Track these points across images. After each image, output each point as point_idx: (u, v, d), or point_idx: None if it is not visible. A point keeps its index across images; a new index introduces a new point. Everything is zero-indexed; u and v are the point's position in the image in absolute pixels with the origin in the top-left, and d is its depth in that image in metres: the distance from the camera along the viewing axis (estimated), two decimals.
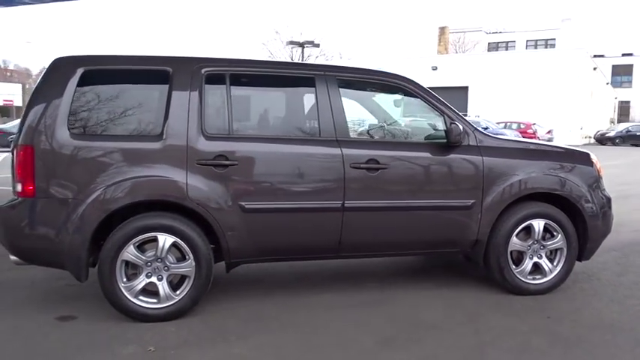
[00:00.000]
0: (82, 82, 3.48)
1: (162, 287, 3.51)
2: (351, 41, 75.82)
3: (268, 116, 4.19)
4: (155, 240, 3.47)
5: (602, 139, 33.99)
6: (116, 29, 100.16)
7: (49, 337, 3.33)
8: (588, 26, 76.34)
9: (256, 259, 3.86)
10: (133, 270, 3.52)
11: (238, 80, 3.82)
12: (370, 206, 3.82)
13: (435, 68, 33.89)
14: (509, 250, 4.06)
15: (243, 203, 3.58)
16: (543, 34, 53.03)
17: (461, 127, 3.87)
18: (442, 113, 4.03)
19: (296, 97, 4.08)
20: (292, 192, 3.70)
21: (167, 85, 3.58)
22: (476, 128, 4.10)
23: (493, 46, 54.79)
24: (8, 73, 64.37)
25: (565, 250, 4.16)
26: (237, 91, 3.83)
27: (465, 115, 12.07)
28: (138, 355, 3.10)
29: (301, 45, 34.65)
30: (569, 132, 30.06)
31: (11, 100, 39.86)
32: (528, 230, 4.10)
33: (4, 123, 26.78)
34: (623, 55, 55.97)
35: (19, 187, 3.38)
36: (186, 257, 3.53)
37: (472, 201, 3.96)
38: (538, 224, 4.08)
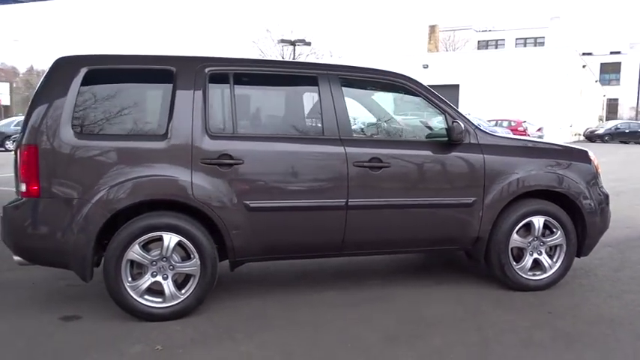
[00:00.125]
0: (85, 82, 3.47)
1: (168, 286, 3.52)
2: (341, 39, 75.93)
3: (272, 115, 4.21)
4: (160, 239, 3.48)
5: (591, 137, 34.36)
6: (103, 27, 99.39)
7: (55, 337, 3.32)
8: (577, 24, 76.94)
9: (260, 258, 3.88)
10: (138, 269, 3.52)
11: (242, 79, 3.83)
12: (373, 204, 3.85)
13: (426, 66, 33.98)
14: (510, 246, 4.11)
15: (247, 202, 3.59)
16: (532, 33, 53.40)
17: (462, 126, 3.91)
18: (443, 111, 4.06)
19: (299, 96, 4.10)
20: (296, 191, 3.72)
21: (171, 85, 3.58)
22: (477, 126, 4.14)
23: (483, 45, 55.09)
24: None
25: (564, 246, 4.22)
26: (241, 91, 3.84)
27: None
28: (146, 353, 3.11)
29: (292, 43, 34.63)
30: (559, 129, 30.29)
31: None
32: (528, 227, 4.15)
33: None
34: (611, 53, 56.60)
35: (23, 188, 3.37)
36: (192, 256, 3.54)
37: (473, 198, 4.00)
38: (538, 221, 4.13)
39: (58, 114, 3.38)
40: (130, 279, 3.47)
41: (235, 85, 3.73)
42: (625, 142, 32.38)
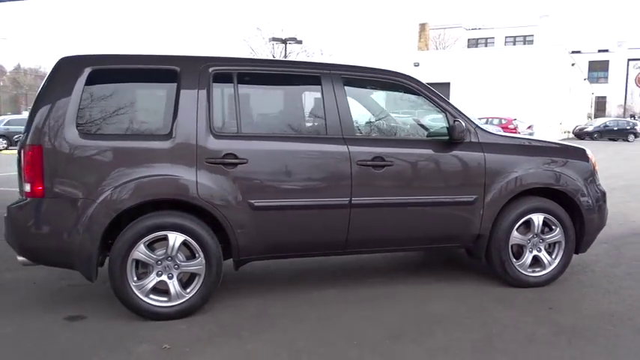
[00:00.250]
0: (89, 82, 3.46)
1: (173, 285, 3.53)
2: (332, 38, 75.88)
3: (275, 114, 4.23)
4: (165, 239, 3.49)
5: (580, 134, 34.67)
6: (91, 25, 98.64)
7: (61, 337, 3.32)
8: (565, 23, 77.58)
9: (264, 257, 3.89)
10: (143, 269, 3.53)
11: (245, 79, 3.85)
12: (376, 203, 3.88)
13: (417, 64, 34.06)
14: (510, 243, 4.17)
15: (252, 201, 3.61)
16: (522, 31, 53.76)
17: (464, 125, 3.95)
18: (444, 110, 4.11)
19: (302, 95, 4.12)
20: (300, 189, 3.74)
21: (175, 85, 3.58)
22: (477, 125, 4.19)
23: (473, 43, 55.37)
24: None
25: (563, 243, 4.28)
26: (245, 90, 3.85)
27: None
28: (153, 352, 3.12)
29: (284, 41, 34.59)
30: (548, 127, 30.52)
31: None
32: (528, 224, 4.21)
33: None
34: (599, 51, 57.10)
35: (27, 188, 3.36)
36: (197, 255, 3.55)
37: (475, 196, 4.05)
38: (537, 218, 4.19)
39: (62, 114, 3.38)
40: (135, 278, 3.48)
41: (239, 85, 3.74)
42: (613, 140, 32.72)
